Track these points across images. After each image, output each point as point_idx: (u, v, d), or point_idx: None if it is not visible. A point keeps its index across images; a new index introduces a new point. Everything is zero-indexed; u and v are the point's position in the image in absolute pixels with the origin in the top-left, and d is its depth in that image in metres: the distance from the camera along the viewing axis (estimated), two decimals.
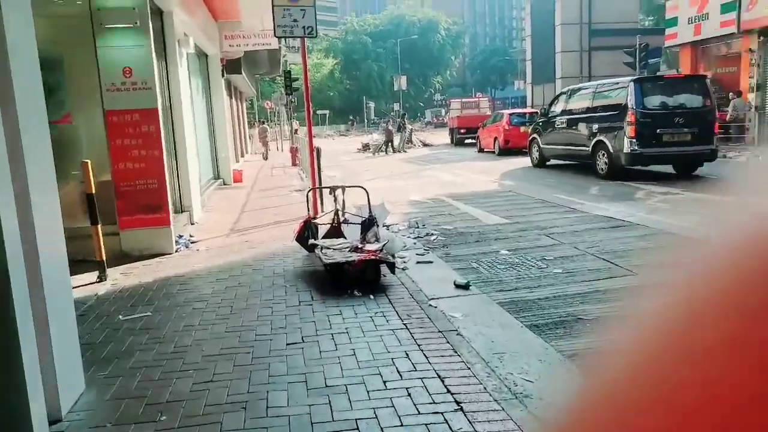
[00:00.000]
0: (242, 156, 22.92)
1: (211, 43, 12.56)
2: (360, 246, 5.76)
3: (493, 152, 21.09)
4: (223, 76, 13.71)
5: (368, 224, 6.19)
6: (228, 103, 17.40)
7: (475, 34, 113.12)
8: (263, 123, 28.68)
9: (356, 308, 4.58)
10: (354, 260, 5.22)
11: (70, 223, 6.49)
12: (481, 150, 22.86)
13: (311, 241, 5.91)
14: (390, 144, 25.65)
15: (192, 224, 8.53)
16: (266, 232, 7.91)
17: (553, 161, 14.98)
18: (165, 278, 5.74)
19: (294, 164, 19.86)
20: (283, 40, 19.94)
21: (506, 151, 19.46)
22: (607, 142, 11.82)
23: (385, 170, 17.39)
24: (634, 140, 11.20)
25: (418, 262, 6.13)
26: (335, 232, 6.31)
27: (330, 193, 6.45)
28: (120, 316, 4.56)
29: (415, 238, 7.43)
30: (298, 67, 35.37)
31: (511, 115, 21.46)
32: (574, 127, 13.26)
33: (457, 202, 10.23)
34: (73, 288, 5.49)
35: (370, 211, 6.32)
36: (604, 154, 11.98)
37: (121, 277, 5.85)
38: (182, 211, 8.42)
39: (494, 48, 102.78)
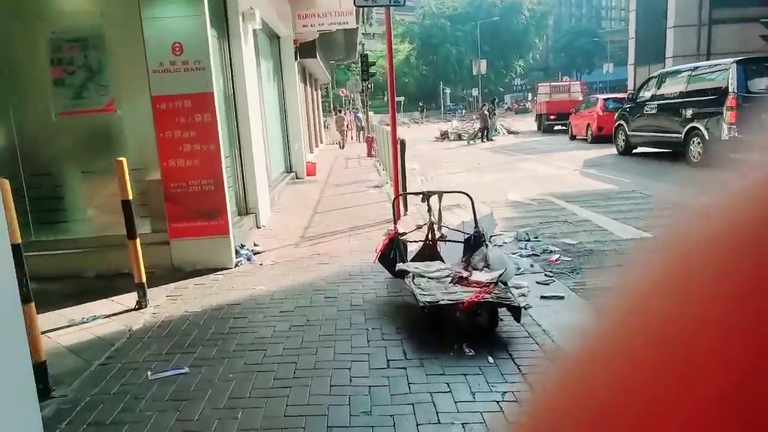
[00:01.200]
0: (316, 146, 21.97)
1: (284, 24, 11.40)
2: (465, 275, 4.31)
3: (586, 139, 19.53)
4: (296, 59, 12.58)
5: (474, 243, 4.72)
6: (302, 90, 16.34)
7: (559, 14, 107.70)
8: (340, 111, 27.69)
9: (470, 380, 3.14)
10: (462, 301, 3.78)
11: (119, 230, 5.47)
12: (573, 137, 21.17)
13: (400, 265, 4.51)
14: (486, 131, 23.91)
15: (258, 228, 7.39)
16: (341, 242, 6.61)
17: (640, 149, 14.16)
18: (217, 307, 4.54)
19: (370, 155, 18.64)
20: (360, 21, 18.71)
21: (600, 138, 17.79)
22: (702, 129, 11.07)
23: (470, 161, 15.75)
24: (734, 127, 10.29)
25: (543, 297, 4.59)
26: (430, 252, 4.87)
27: (422, 201, 5.02)
28: (149, 373, 3.36)
29: (528, 256, 5.88)
30: (375, 54, 34.14)
31: (606, 100, 19.67)
32: (665, 113, 12.52)
33: (570, 204, 8.53)
34: (108, 317, 4.43)
35: (476, 225, 4.84)
36: (698, 142, 11.23)
37: (165, 303, 4.71)
38: (247, 214, 7.29)
39: (581, 29, 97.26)
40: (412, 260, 4.80)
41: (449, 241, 4.95)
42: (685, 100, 11.86)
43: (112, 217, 5.82)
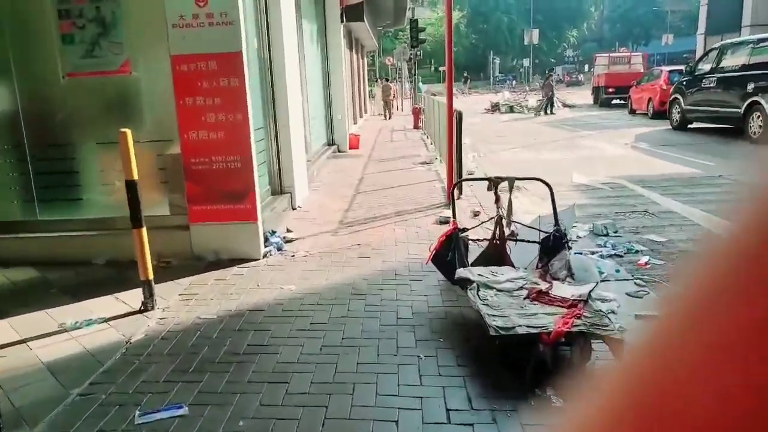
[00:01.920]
0: (361, 117, 21.04)
1: None
2: (544, 287, 3.38)
3: (646, 114, 18.39)
4: (342, 21, 11.61)
5: (553, 244, 3.77)
6: (347, 56, 15.37)
7: None
8: (387, 80, 26.61)
9: None
10: (546, 329, 2.86)
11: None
12: (632, 111, 19.97)
13: (460, 272, 3.59)
14: (551, 103, 22.49)
15: (293, 209, 6.59)
16: (385, 230, 5.73)
17: (696, 124, 13.80)
18: (236, 313, 3.76)
19: (416, 127, 17.62)
20: None
21: (662, 113, 16.44)
22: (764, 103, 10.66)
23: (525, 137, 14.55)
24: None
25: (637, 315, 3.63)
26: (497, 254, 3.93)
27: (489, 189, 4.07)
28: (137, 413, 2.60)
29: (610, 256, 4.88)
30: (424, 21, 32.61)
31: (670, 72, 18.15)
32: (724, 87, 12.12)
33: (648, 191, 7.40)
34: (106, 321, 3.71)
35: (557, 222, 3.88)
36: (759, 117, 10.83)
37: (176, 304, 3.97)
38: (282, 193, 6.49)
39: None
40: (475, 263, 3.89)
41: (521, 240, 4.00)
42: (746, 73, 11.37)
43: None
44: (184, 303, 3.98)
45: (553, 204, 4.01)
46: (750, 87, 11.15)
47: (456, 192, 6.68)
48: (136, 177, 3.64)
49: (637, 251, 5.03)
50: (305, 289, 4.18)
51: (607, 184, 8.00)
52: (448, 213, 6.02)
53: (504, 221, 3.95)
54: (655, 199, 7.00)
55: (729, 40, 13.72)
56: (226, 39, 4.57)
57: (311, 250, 5.09)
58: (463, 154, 6.68)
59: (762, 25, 20.12)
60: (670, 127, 14.57)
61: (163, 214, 5.02)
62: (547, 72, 26.53)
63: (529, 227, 4.10)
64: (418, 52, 21.65)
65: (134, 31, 4.80)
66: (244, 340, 3.35)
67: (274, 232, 5.31)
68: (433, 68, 58.44)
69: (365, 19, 15.10)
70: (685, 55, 50.69)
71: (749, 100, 11.11)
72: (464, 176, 6.76)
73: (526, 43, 55.23)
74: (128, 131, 3.62)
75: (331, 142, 11.89)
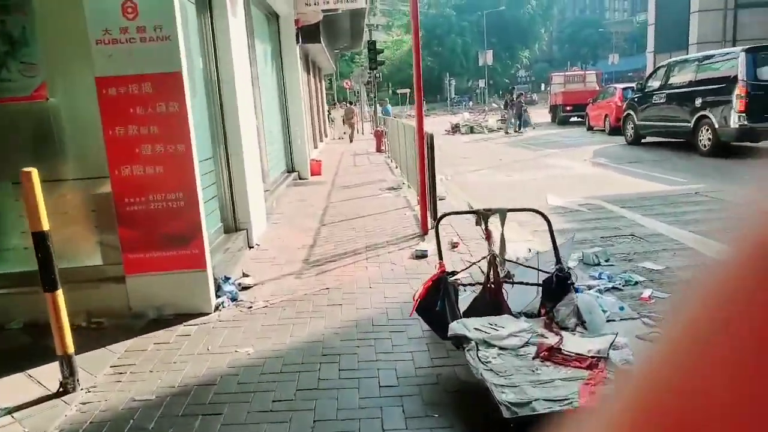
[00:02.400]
0: (321, 141, 20.42)
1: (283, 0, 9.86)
2: (554, 342, 2.80)
3: (603, 130, 18.76)
4: (297, 42, 11.03)
5: (556, 286, 3.20)
6: (305, 79, 14.79)
7: (563, 5, 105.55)
8: (351, 103, 26.24)
9: None
10: (571, 403, 2.27)
11: (61, 261, 4.03)
12: (590, 128, 20.41)
13: (454, 327, 2.95)
14: (521, 122, 22.48)
15: (250, 248, 5.87)
16: (356, 268, 5.08)
17: (648, 138, 14.13)
18: (181, 391, 3.03)
19: (379, 150, 17.11)
20: (368, 2, 17.10)
21: (617, 129, 16.75)
22: (712, 117, 11.09)
23: (490, 157, 14.19)
24: (744, 115, 10.47)
25: (639, 337, 3.08)
26: (492, 300, 3.32)
27: (477, 224, 3.48)
28: None
29: (607, 289, 4.36)
30: (381, 44, 32.42)
31: (624, 89, 18.63)
32: (674, 102, 12.56)
33: (629, 211, 6.99)
34: (10, 413, 2.91)
35: (558, 260, 3.31)
36: (708, 130, 11.26)
37: (105, 382, 3.20)
38: (237, 230, 5.77)
39: (585, 19, 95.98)
40: (467, 313, 3.27)
41: (519, 283, 3.41)
42: (694, 89, 11.76)
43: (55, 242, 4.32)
44: (115, 379, 3.22)
45: (553, 239, 3.46)
46: (698, 102, 11.52)
47: (430, 218, 6.11)
48: (46, 227, 2.90)
49: (636, 282, 4.53)
50: (265, 351, 3.47)
51: (584, 206, 7.58)
52: (425, 246, 5.44)
53: (498, 261, 3.36)
54: (639, 220, 6.58)
55: (675, 58, 14.31)
56: (162, 57, 3.89)
57: (272, 299, 4.39)
58: (436, 180, 6.11)
59: (707, 42, 20.64)
60: (625, 142, 14.84)
61: (94, 265, 4.26)
62: (511, 90, 26.58)
63: (527, 266, 3.52)
64: (377, 74, 21.26)
65: (52, 49, 4.07)
66: (190, 430, 2.63)
67: (227, 279, 4.59)
68: (390, 91, 58.56)
69: (322, 41, 14.60)
70: (630, 74, 52.39)
71: (698, 115, 11.47)
72: (435, 202, 6.20)
73: (480, 64, 56.04)
74: (33, 170, 2.90)
75: (291, 169, 11.21)
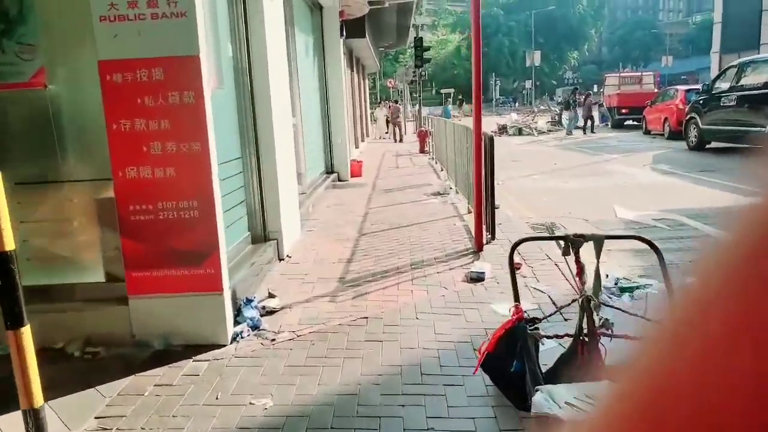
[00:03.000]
0: (362, 141, 19.77)
1: None
2: None
3: (662, 134, 17.73)
4: (341, 36, 10.37)
5: None
6: (348, 75, 14.15)
7: (614, 5, 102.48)
8: (396, 102, 25.76)
9: None
10: None
11: (60, 276, 3.50)
12: (647, 132, 19.40)
13: (539, 402, 2.16)
14: (591, 122, 21.45)
15: (281, 260, 5.19)
16: (400, 290, 4.33)
17: (714, 144, 13.17)
18: None
19: (422, 151, 16.35)
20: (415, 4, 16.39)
21: (678, 133, 15.67)
22: None
23: (544, 161, 13.21)
24: None
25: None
26: (586, 356, 2.51)
27: (565, 254, 2.67)
28: None
29: None
30: (426, 42, 31.65)
31: (687, 91, 17.41)
32: (747, 105, 11.54)
33: (715, 229, 5.97)
34: None
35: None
36: None
37: None
38: (266, 240, 5.10)
39: (637, 20, 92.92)
40: (550, 373, 2.47)
41: (620, 336, 2.58)
42: None
43: (51, 254, 3.74)
44: None
45: (665, 275, 2.63)
46: None
47: (487, 233, 5.30)
48: (10, 245, 2.25)
49: None
50: (286, 405, 2.76)
51: (660, 221, 6.62)
52: (480, 266, 4.64)
53: (593, 305, 2.54)
54: None
55: (748, 57, 13.33)
56: (177, 37, 3.23)
57: (300, 329, 3.68)
58: (494, 188, 5.29)
59: None
60: (687, 147, 13.92)
61: (94, 282, 3.65)
62: (574, 90, 25.38)
63: (629, 313, 2.69)
64: (423, 73, 20.47)
65: (52, 28, 3.47)
66: None
67: (249, 301, 3.91)
68: (434, 91, 57.61)
69: (367, 36, 13.93)
70: (683, 77, 50.01)
71: None
72: (489, 211, 5.37)
73: (527, 65, 54.51)
74: None
75: (330, 170, 10.56)
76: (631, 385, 0.23)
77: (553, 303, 3.90)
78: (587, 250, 2.68)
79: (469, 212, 6.95)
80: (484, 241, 5.31)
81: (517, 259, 4.83)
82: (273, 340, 3.53)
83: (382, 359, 3.22)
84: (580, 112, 22.32)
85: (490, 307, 3.91)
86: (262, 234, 5.10)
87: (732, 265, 0.21)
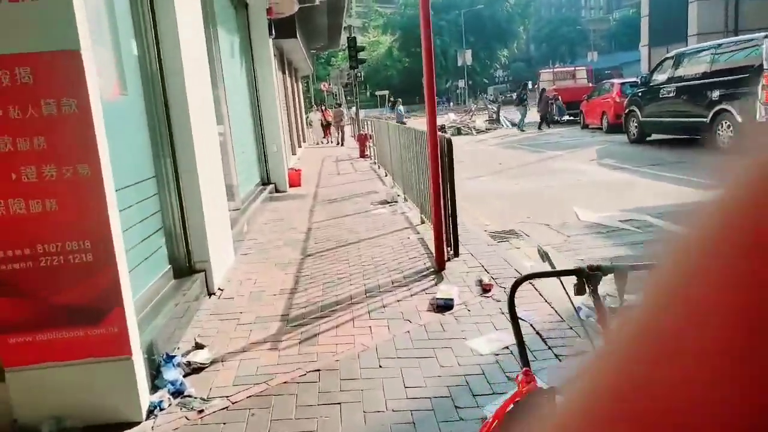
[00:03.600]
0: (299, 146, 18.93)
1: None
2: None
3: (600, 128, 17.87)
4: (270, 35, 9.57)
5: None
6: (281, 78, 13.32)
7: (539, 4, 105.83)
8: (339, 105, 25.04)
9: None
10: None
11: None
12: (585, 126, 19.44)
13: None
14: (546, 120, 21.28)
15: (211, 295, 4.40)
16: (355, 327, 3.65)
17: (654, 135, 13.19)
18: None
19: (363, 155, 15.73)
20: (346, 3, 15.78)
21: (616, 126, 15.87)
22: (733, 111, 10.04)
23: (488, 161, 12.86)
24: None
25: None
26: None
27: (579, 292, 2.08)
28: None
29: None
30: (360, 41, 31.11)
31: (622, 85, 17.64)
32: (686, 96, 11.56)
33: None
34: None
35: None
36: (728, 125, 10.17)
37: None
38: (192, 272, 4.29)
39: (562, 18, 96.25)
40: None
41: None
42: (709, 80, 10.80)
43: None
44: None
45: None
46: (715, 94, 10.53)
47: (448, 252, 4.71)
48: None
49: None
50: None
51: (626, 222, 6.24)
52: (446, 289, 4.03)
53: None
54: None
55: (684, 48, 13.34)
56: (49, 27, 2.43)
57: (235, 393, 2.93)
58: (456, 197, 4.69)
59: (708, 33, 19.68)
60: (628, 140, 13.89)
61: None
62: (524, 84, 25.23)
63: None
64: (358, 74, 19.84)
65: None
66: None
67: (170, 359, 3.12)
68: (368, 93, 57.22)
69: (298, 37, 13.15)
70: (607, 71, 52.02)
71: (716, 108, 10.44)
72: (456, 227, 4.77)
73: (459, 64, 55.05)
74: None
75: (266, 181, 9.73)
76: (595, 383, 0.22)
77: (538, 334, 3.33)
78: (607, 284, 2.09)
79: (423, 222, 6.36)
80: (446, 258, 4.72)
81: (485, 279, 4.26)
82: (201, 411, 2.77)
83: (343, 429, 2.54)
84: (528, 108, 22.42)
85: (465, 344, 3.30)
86: (186, 265, 4.29)
87: (691, 261, 0.20)
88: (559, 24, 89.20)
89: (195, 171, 4.26)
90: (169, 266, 4.13)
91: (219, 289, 4.49)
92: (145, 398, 2.80)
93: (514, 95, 46.88)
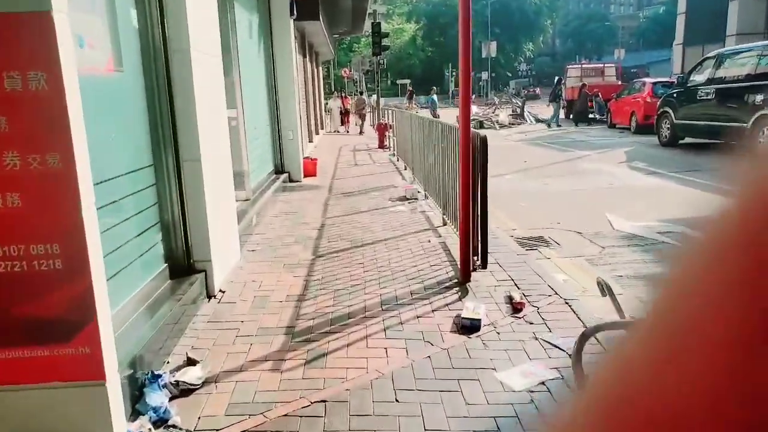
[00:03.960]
0: (317, 134, 18.48)
1: None
2: None
3: (628, 128, 17.31)
4: (292, 15, 9.09)
5: None
6: (300, 62, 12.85)
7: None
8: (361, 93, 24.56)
9: None
10: None
11: None
12: (612, 125, 18.88)
13: None
14: (587, 114, 20.90)
15: (210, 298, 3.98)
16: (369, 348, 3.20)
17: (687, 139, 12.58)
18: None
19: (381, 146, 15.23)
20: None
21: (645, 127, 15.46)
22: None
23: (512, 158, 12.30)
24: None
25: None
26: None
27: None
28: None
29: None
30: (384, 29, 30.59)
31: (654, 84, 17.04)
32: (726, 99, 10.98)
33: None
34: None
35: None
36: None
37: None
38: (191, 272, 3.88)
39: (590, 13, 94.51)
40: None
41: None
42: (753, 83, 10.27)
43: None
44: None
45: None
46: (758, 99, 10.06)
47: (474, 262, 4.24)
48: None
49: None
50: None
51: (665, 234, 5.73)
52: (471, 307, 3.57)
53: None
54: None
55: (726, 48, 12.82)
56: None
57: (227, 426, 2.50)
58: (487, 205, 4.21)
59: (748, 34, 18.82)
60: (658, 142, 13.39)
61: None
62: (559, 79, 24.35)
63: None
64: (381, 61, 19.29)
65: None
66: None
67: (155, 378, 2.71)
68: (390, 81, 56.53)
69: (321, 20, 12.65)
70: (633, 70, 50.81)
71: (758, 113, 9.92)
72: (479, 231, 4.30)
73: (483, 56, 54.00)
74: None
75: (280, 169, 9.30)
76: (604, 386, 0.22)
77: None
78: None
79: (444, 224, 5.90)
80: (471, 268, 4.25)
81: (516, 296, 3.80)
82: None
83: None
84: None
85: (495, 377, 2.84)
86: (185, 264, 3.87)
87: (701, 268, 0.20)
88: (587, 19, 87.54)
89: (199, 160, 3.83)
90: (166, 265, 3.72)
91: (220, 291, 4.07)
92: (122, 427, 2.39)
93: (534, 91, 45.57)
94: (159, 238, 3.66)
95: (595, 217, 6.52)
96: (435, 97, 23.54)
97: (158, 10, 3.58)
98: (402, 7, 71.01)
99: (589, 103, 21.09)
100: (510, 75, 69.72)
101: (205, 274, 3.93)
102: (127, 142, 3.26)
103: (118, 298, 2.99)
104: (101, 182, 2.82)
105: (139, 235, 3.36)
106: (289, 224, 6.29)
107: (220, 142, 4.46)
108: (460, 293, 3.97)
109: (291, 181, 9.28)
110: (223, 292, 4.09)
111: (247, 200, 6.50)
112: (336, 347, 3.21)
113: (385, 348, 3.18)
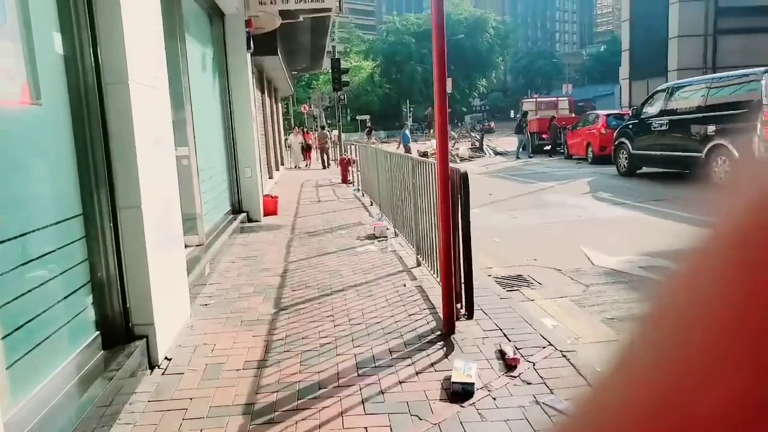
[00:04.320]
0: (277, 170, 17.95)
1: None
2: None
3: (585, 159, 17.67)
4: (249, 49, 8.68)
5: None
6: (259, 98, 12.41)
7: (515, 37, 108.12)
8: (323, 127, 24.30)
9: None
10: None
11: None
12: (569, 156, 19.28)
13: None
14: (555, 146, 20.96)
15: (152, 370, 3.37)
16: (345, 428, 2.69)
17: (645, 169, 12.89)
18: None
19: (345, 180, 14.86)
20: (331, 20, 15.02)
21: (601, 158, 15.96)
22: (729, 146, 9.79)
23: (477, 191, 11.97)
24: None
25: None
26: None
27: None
28: None
29: None
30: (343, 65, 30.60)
31: (608, 116, 17.66)
32: (679, 130, 11.27)
33: None
34: None
35: None
36: (725, 160, 9.85)
37: None
38: (129, 340, 3.28)
39: (539, 51, 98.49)
40: None
41: None
42: (704, 114, 10.57)
43: None
44: None
45: None
46: (710, 129, 10.31)
47: (458, 310, 3.79)
48: None
49: None
50: None
51: (648, 269, 5.43)
52: (461, 366, 3.10)
53: None
54: None
55: (676, 82, 13.27)
56: None
57: None
58: (471, 246, 3.78)
59: (688, 68, 19.60)
60: (617, 172, 13.60)
61: None
62: (525, 113, 24.49)
63: None
64: (341, 96, 19.05)
65: None
66: None
67: None
68: (349, 117, 56.61)
69: (279, 55, 12.30)
70: (580, 104, 52.61)
71: (711, 143, 10.20)
72: (471, 283, 3.86)
73: None
74: None
75: (238, 209, 8.73)
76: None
77: None
78: None
79: (419, 265, 5.46)
80: (455, 317, 3.79)
81: (509, 350, 3.35)
82: None
83: None
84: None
85: None
86: (122, 330, 3.28)
87: (683, 302, 0.20)
88: (535, 56, 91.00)
89: (139, 206, 3.28)
90: (98, 333, 3.12)
91: (166, 358, 3.47)
92: None
93: (489, 125, 46.35)
94: (89, 301, 3.08)
95: (570, 252, 6.21)
96: (407, 131, 23.00)
97: (89, 34, 3.08)
98: (359, 45, 71.97)
99: (560, 135, 21.34)
100: (465, 110, 71.13)
101: (147, 341, 3.34)
102: (46, 188, 2.71)
103: (33, 379, 2.40)
104: (13, 238, 2.27)
105: (64, 299, 2.78)
106: (247, 271, 5.72)
107: (166, 183, 3.93)
108: (445, 348, 3.50)
109: (250, 221, 8.70)
110: (169, 359, 3.49)
111: (200, 245, 5.92)
112: (305, 429, 2.67)
113: (365, 427, 2.66)
